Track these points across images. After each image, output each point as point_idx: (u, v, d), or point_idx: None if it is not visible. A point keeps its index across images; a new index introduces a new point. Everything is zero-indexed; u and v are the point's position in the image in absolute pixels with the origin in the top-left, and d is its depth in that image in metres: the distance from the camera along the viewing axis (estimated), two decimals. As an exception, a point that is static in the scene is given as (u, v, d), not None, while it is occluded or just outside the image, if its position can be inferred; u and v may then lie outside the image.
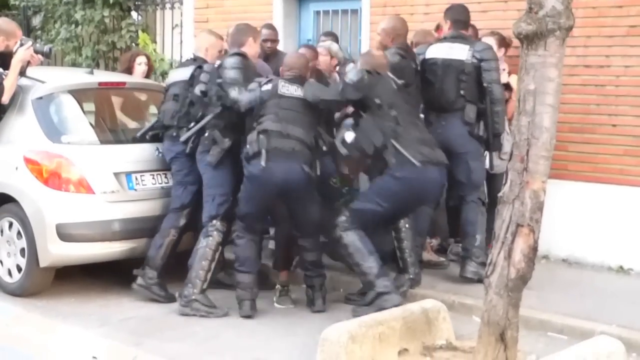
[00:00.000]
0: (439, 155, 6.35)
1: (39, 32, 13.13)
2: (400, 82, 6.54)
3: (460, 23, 7.12)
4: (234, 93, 6.46)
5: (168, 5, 11.68)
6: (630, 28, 7.43)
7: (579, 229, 7.64)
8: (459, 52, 6.97)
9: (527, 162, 4.47)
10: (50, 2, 12.56)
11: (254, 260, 6.56)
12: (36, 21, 13.37)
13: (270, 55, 8.11)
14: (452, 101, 6.96)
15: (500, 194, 4.61)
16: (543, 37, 4.41)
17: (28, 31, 13.31)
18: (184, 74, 7.07)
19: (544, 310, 6.26)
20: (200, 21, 10.42)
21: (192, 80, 6.93)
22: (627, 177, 7.46)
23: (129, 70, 8.59)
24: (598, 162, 7.62)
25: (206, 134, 6.69)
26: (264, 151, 6.16)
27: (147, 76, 8.68)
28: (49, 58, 7.07)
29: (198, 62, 7.07)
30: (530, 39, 4.45)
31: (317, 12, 9.86)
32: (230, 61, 6.65)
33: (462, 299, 6.56)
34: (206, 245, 6.56)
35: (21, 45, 6.94)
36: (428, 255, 7.55)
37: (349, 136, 6.28)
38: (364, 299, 6.34)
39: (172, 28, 11.45)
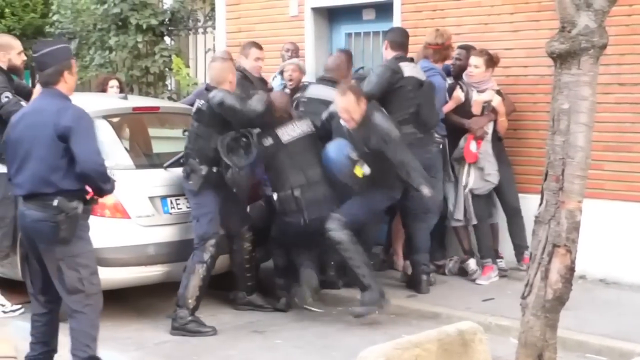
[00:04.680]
0: None
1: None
2: None
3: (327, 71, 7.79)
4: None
5: (200, 30, 11.80)
6: (664, 45, 7.39)
7: (616, 249, 7.56)
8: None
9: (563, 182, 4.43)
10: (85, 29, 12.73)
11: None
12: (71, 48, 13.52)
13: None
14: None
15: (535, 214, 4.58)
16: (576, 55, 4.39)
17: (63, 58, 13.47)
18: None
19: (582, 331, 6.20)
20: (233, 45, 10.49)
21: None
22: (664, 195, 7.39)
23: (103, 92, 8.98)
24: (634, 181, 7.55)
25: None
26: (304, 209, 6.86)
27: None
28: None
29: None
30: (563, 58, 4.42)
31: (349, 34, 9.90)
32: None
33: (499, 320, 6.51)
34: (200, 268, 6.75)
35: None
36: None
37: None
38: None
39: (205, 52, 11.55)
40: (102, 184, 5.05)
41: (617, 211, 7.59)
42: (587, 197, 4.56)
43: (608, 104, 7.45)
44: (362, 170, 6.72)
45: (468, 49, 8.00)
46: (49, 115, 5.01)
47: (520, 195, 7.97)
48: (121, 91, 8.92)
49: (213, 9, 11.31)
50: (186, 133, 7.14)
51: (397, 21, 9.08)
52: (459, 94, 7.76)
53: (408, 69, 7.38)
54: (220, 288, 7.49)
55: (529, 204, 7.04)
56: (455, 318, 6.28)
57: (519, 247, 7.82)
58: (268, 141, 6.95)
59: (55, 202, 4.90)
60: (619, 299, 7.17)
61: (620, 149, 7.60)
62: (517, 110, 8.21)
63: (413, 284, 7.48)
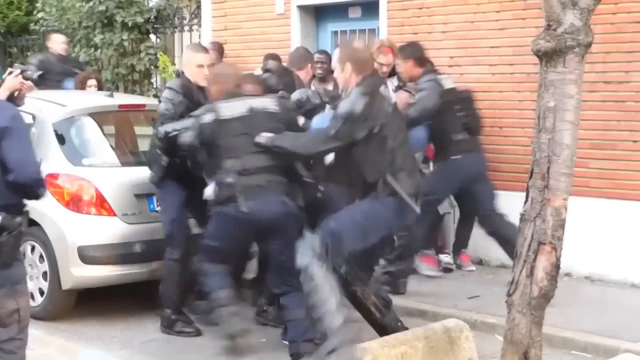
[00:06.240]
0: None
1: (59, 56, 13.24)
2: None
3: None
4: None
5: (186, 28, 11.77)
6: (649, 43, 7.41)
7: (602, 246, 7.59)
8: None
9: (548, 180, 4.45)
10: (70, 27, 12.68)
11: (223, 276, 5.87)
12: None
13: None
14: None
15: (521, 212, 4.59)
16: (562, 54, 4.40)
17: (48, 55, 13.45)
18: None
19: (568, 328, 6.22)
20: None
21: None
22: (649, 193, 7.41)
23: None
24: (619, 179, 7.57)
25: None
26: (240, 194, 5.62)
27: None
28: (39, 85, 6.98)
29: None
30: (549, 56, 4.44)
31: (335, 32, 9.90)
32: None
33: (485, 317, 6.53)
34: (173, 266, 6.49)
35: (9, 73, 6.75)
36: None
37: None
38: None
39: (191, 50, 11.50)
40: (38, 191, 4.32)
41: (602, 209, 7.61)
42: (572, 195, 4.59)
43: (594, 102, 7.47)
44: None
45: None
46: None
47: (505, 192, 7.98)
48: (99, 89, 8.96)
49: (199, 7, 11.29)
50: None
51: (383, 19, 9.09)
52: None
53: (446, 82, 7.42)
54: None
55: (515, 202, 7.06)
56: (441, 316, 6.30)
57: (460, 246, 8.21)
58: (207, 117, 5.84)
59: None
60: (604, 296, 7.20)
61: (605, 147, 7.62)
62: (504, 108, 8.24)
63: (391, 282, 7.38)
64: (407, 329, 5.55)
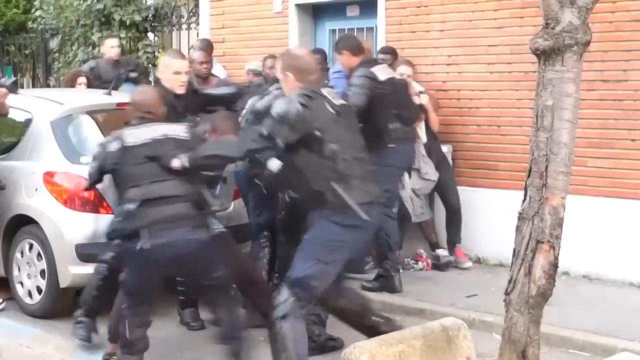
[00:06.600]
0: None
1: (56, 55, 13.25)
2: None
3: None
4: None
5: (184, 27, 11.76)
6: (647, 42, 7.41)
7: (600, 245, 7.59)
8: None
9: (546, 178, 4.45)
10: (68, 25, 12.66)
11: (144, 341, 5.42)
12: (54, 44, 13.49)
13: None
14: None
15: (519, 211, 4.59)
16: (560, 52, 4.41)
17: (46, 54, 13.45)
18: None
19: (565, 327, 6.22)
20: (217, 42, 10.45)
21: None
22: (647, 191, 7.42)
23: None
24: (617, 177, 7.58)
25: None
26: (144, 229, 5.12)
27: None
28: (13, 92, 6.81)
29: None
30: (547, 55, 4.44)
31: (333, 31, 9.89)
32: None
33: (483, 316, 6.53)
34: (100, 267, 6.18)
35: None
36: None
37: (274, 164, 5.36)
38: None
39: (189, 49, 11.49)
40: None
41: (600, 207, 7.61)
42: (570, 194, 4.58)
43: (591, 101, 7.47)
44: None
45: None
46: None
47: (503, 191, 8.01)
48: (89, 87, 8.97)
49: (197, 5, 11.29)
50: None
51: (381, 18, 9.09)
52: None
53: (381, 73, 7.22)
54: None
55: (513, 201, 7.07)
56: (439, 314, 6.30)
57: (452, 242, 8.28)
58: (113, 146, 5.42)
59: None
60: (602, 295, 7.20)
61: (603, 146, 7.63)
62: (502, 107, 8.25)
63: (385, 284, 7.39)
64: (401, 327, 5.54)
